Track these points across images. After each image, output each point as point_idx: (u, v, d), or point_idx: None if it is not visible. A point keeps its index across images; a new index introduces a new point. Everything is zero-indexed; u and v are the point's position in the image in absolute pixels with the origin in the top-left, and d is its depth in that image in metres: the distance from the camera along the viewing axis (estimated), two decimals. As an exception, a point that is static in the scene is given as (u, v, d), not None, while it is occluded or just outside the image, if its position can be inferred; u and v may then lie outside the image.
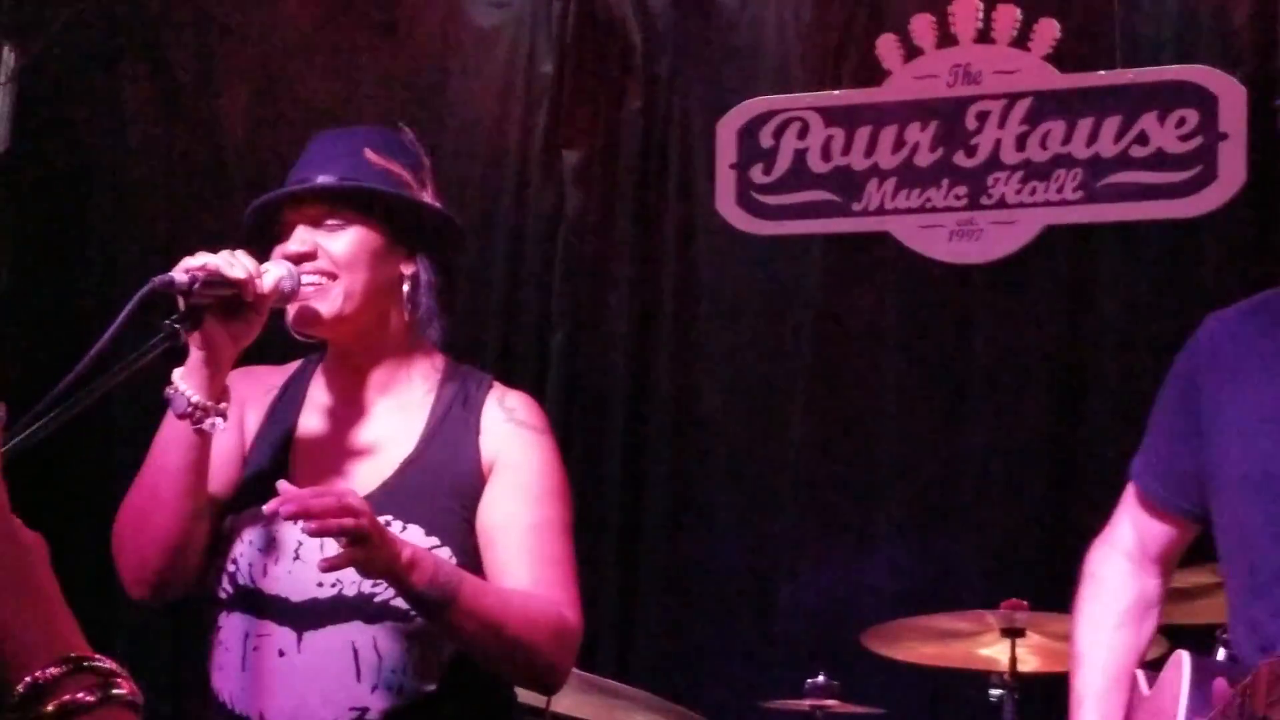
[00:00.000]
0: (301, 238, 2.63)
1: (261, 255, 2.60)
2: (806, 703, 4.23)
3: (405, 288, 2.68)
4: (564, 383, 5.41)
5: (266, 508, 2.35)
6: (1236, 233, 4.91)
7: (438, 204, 2.75)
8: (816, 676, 4.20)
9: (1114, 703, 2.44)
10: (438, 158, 5.41)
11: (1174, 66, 5.00)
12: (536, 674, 2.57)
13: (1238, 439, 2.28)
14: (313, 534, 2.32)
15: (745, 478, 5.28)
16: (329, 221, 2.64)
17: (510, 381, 5.23)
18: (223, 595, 2.62)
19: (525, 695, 4.08)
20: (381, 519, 2.44)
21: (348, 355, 2.72)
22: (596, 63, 5.54)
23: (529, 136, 5.55)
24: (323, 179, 2.65)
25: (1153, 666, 2.53)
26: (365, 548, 2.31)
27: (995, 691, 4.05)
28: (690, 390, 5.37)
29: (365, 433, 2.68)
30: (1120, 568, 2.57)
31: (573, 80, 5.52)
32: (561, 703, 4.18)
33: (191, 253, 2.45)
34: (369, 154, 2.68)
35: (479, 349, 5.41)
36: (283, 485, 2.36)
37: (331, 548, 2.40)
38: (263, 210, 2.70)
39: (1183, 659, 2.22)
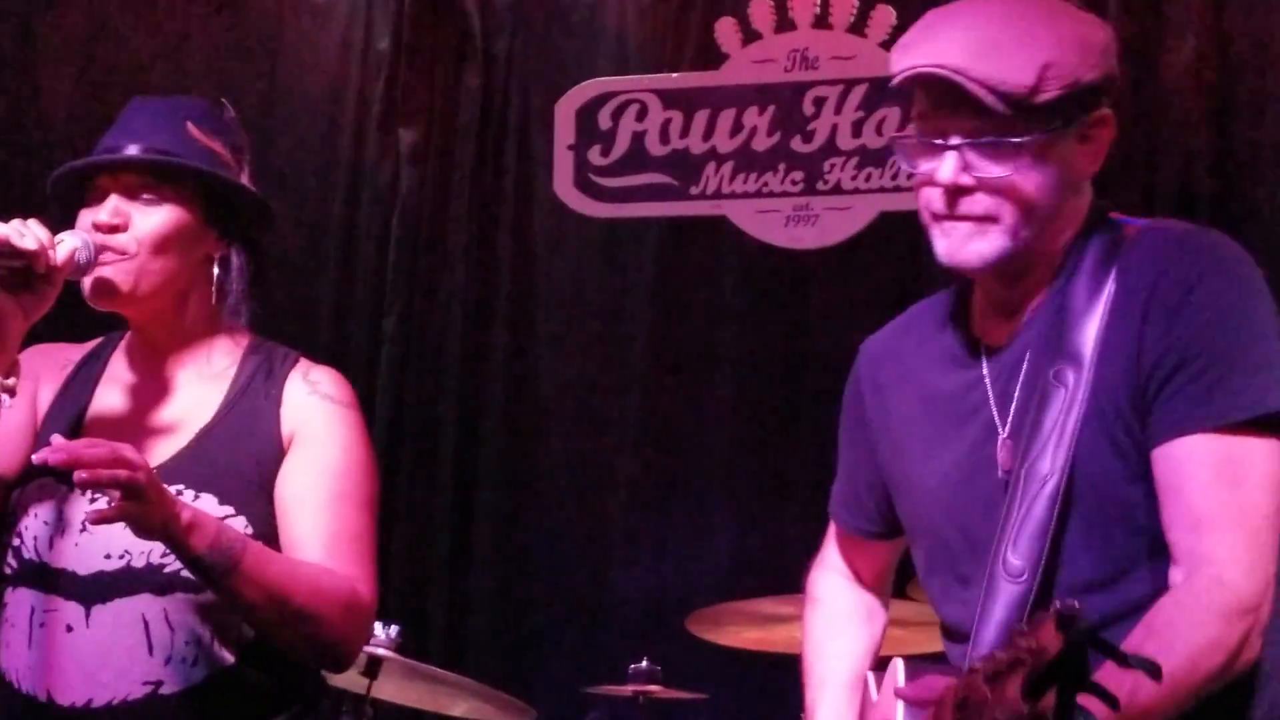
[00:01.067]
0: (114, 208, 2.54)
1: (68, 217, 2.53)
2: (629, 688, 4.22)
3: (215, 271, 2.62)
4: (397, 364, 5.36)
5: (36, 457, 2.26)
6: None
7: (253, 187, 2.69)
8: (640, 661, 4.19)
9: (840, 708, 2.41)
10: (272, 133, 5.41)
11: (1008, 55, 5.03)
12: (324, 648, 2.49)
13: (914, 468, 2.28)
14: (82, 484, 2.22)
15: (581, 462, 5.27)
16: (145, 195, 2.56)
17: (344, 362, 5.24)
18: (8, 571, 2.54)
19: (347, 681, 4.05)
20: (174, 488, 2.38)
21: (147, 332, 2.65)
22: (434, 40, 5.49)
23: (365, 113, 5.49)
24: (142, 148, 2.56)
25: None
26: (140, 503, 2.23)
27: (816, 675, 4.03)
28: (526, 373, 5.35)
29: (163, 406, 2.61)
30: (835, 583, 2.57)
31: (410, 57, 5.46)
32: (385, 689, 4.14)
33: None
34: (191, 128, 2.60)
35: (312, 329, 5.34)
36: (56, 438, 2.28)
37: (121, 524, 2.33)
38: (74, 172, 2.61)
39: (896, 665, 2.18)
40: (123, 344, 2.70)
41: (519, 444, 5.30)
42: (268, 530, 2.50)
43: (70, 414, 2.61)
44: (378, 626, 4.03)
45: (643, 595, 4.99)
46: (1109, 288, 2.11)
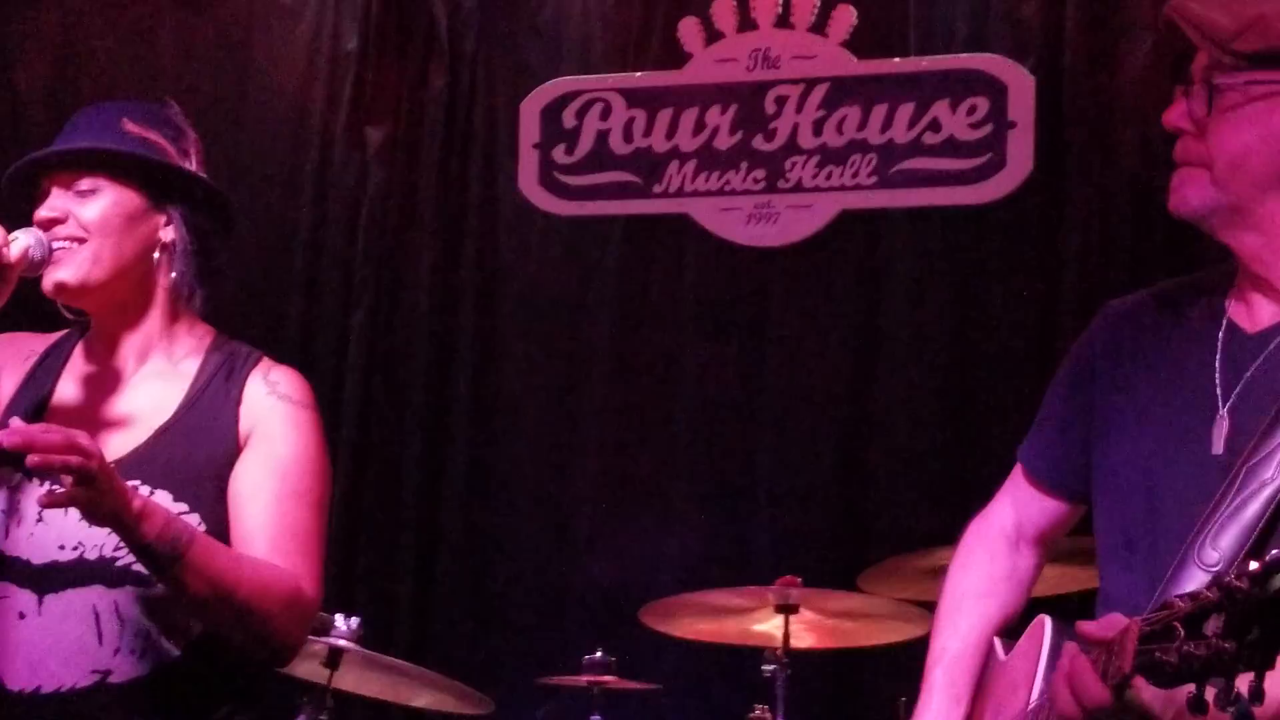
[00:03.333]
0: (52, 204, 2.62)
1: (23, 223, 2.59)
2: (584, 679, 4.27)
3: (158, 254, 2.67)
4: (364, 360, 5.41)
5: None
6: (1022, 218, 5.03)
7: (199, 173, 2.74)
8: (595, 653, 4.24)
9: (965, 667, 2.42)
10: (241, 132, 5.46)
11: (965, 55, 5.11)
12: (266, 641, 2.53)
13: (1125, 437, 2.27)
14: (35, 468, 2.28)
15: (545, 458, 5.31)
16: (81, 186, 2.63)
17: (312, 357, 5.30)
18: (-39, 558, 2.59)
19: (308, 672, 4.10)
20: (129, 484, 2.42)
21: (106, 323, 2.71)
22: (401, 40, 5.54)
23: (333, 113, 5.53)
24: (73, 145, 2.64)
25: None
26: (91, 489, 2.28)
27: (768, 667, 4.09)
28: (491, 369, 5.39)
29: (123, 401, 2.67)
30: (993, 542, 2.53)
31: (377, 57, 5.51)
32: (345, 680, 4.19)
33: None
34: (127, 123, 2.68)
35: (280, 324, 5.40)
36: (14, 420, 2.34)
37: (77, 515, 2.38)
38: (19, 179, 2.68)
39: (1044, 623, 2.20)
40: (87, 336, 2.75)
41: (484, 437, 5.35)
42: (221, 528, 2.56)
43: (32, 403, 2.66)
44: (339, 618, 4.09)
45: (602, 588, 5.04)
46: None
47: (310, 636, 3.97)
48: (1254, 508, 2.04)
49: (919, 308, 5.09)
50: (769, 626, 4.20)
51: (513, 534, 5.26)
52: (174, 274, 2.69)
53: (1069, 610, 2.20)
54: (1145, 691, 1.83)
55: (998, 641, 2.42)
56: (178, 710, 2.55)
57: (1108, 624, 1.91)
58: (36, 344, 2.77)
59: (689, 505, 5.14)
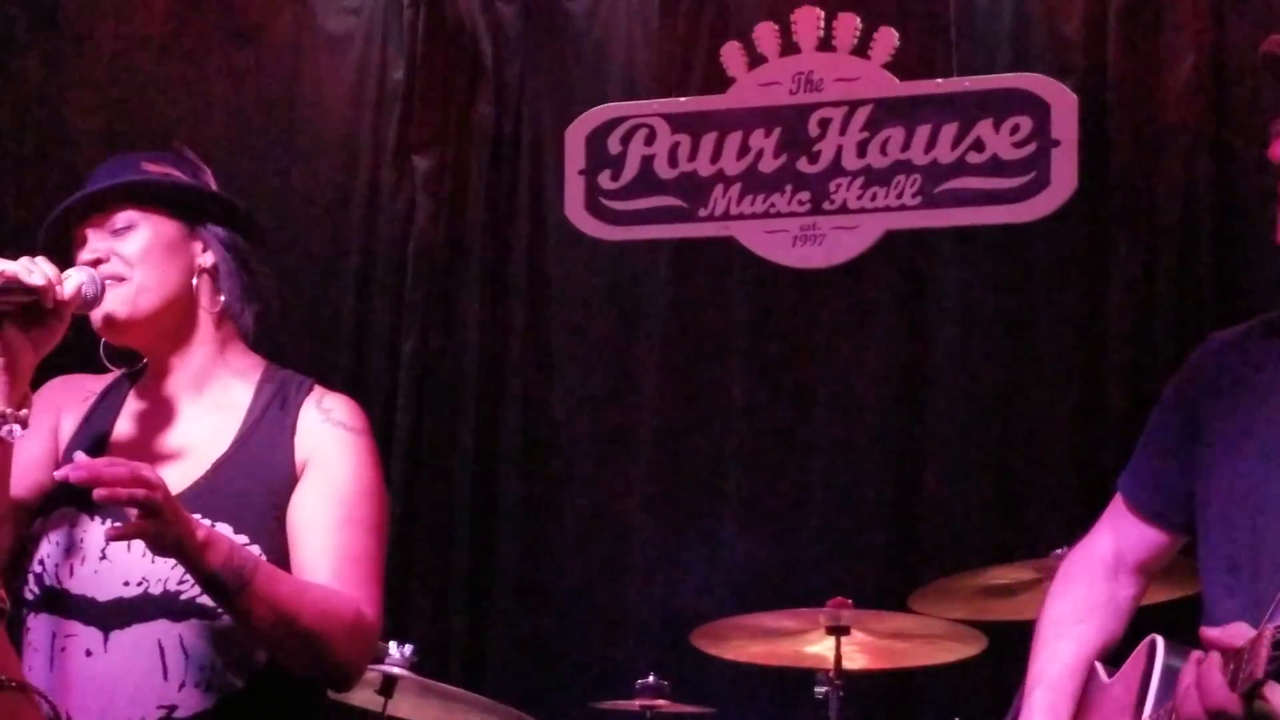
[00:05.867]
0: (93, 246, 2.67)
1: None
2: (637, 703, 4.29)
3: (198, 279, 2.72)
4: (415, 388, 5.45)
5: (58, 474, 2.36)
6: (1067, 237, 5.04)
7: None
8: (648, 677, 4.26)
9: (1066, 689, 2.43)
10: (290, 162, 5.52)
11: (1008, 75, 5.12)
12: (329, 668, 2.57)
13: (1229, 463, 2.29)
14: (102, 500, 2.31)
15: (595, 483, 5.34)
16: (117, 224, 2.68)
17: (363, 387, 5.35)
18: (29, 597, 2.62)
19: (363, 700, 4.14)
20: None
21: (158, 358, 2.75)
22: (447, 69, 5.59)
23: (380, 143, 5.59)
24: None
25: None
26: (157, 521, 2.32)
27: (820, 689, 4.11)
28: (541, 396, 5.43)
29: (179, 435, 2.71)
30: (1092, 570, 2.55)
31: (423, 87, 5.56)
32: (400, 707, 4.22)
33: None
34: (145, 164, 2.74)
35: (331, 354, 5.45)
36: (79, 455, 2.38)
37: (140, 550, 2.43)
38: (56, 230, 2.73)
39: (1156, 642, 2.20)
40: (143, 375, 2.80)
41: (535, 464, 5.39)
42: (281, 557, 2.58)
43: (90, 445, 2.68)
44: (393, 646, 4.12)
45: (654, 612, 5.07)
46: None
47: (366, 664, 4.03)
48: None
49: (965, 327, 5.10)
50: (821, 648, 4.22)
51: (565, 560, 5.30)
52: (222, 296, 2.73)
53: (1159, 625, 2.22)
54: (1277, 698, 1.85)
55: (1099, 665, 2.43)
56: None
57: (1234, 632, 1.92)
58: (94, 385, 2.81)
59: (739, 528, 5.15)
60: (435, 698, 4.25)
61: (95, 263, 2.63)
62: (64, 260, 2.64)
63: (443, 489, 5.41)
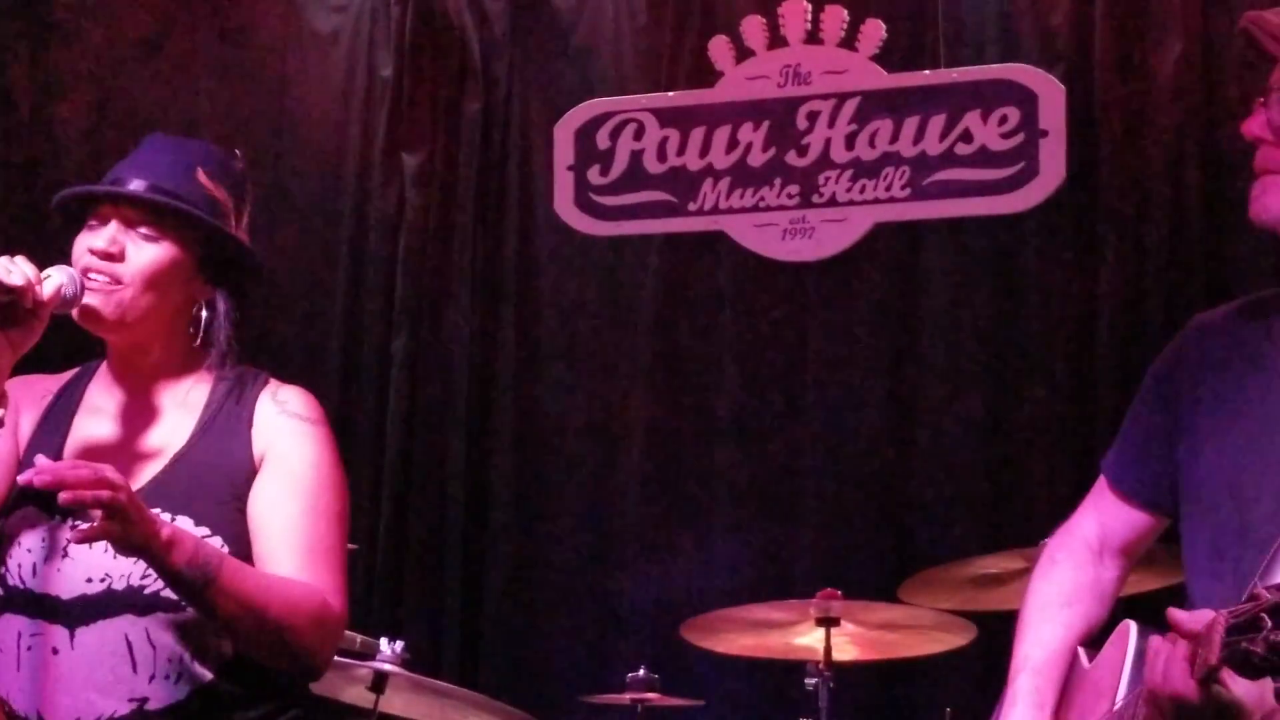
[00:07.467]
0: (112, 237, 2.64)
1: (71, 232, 2.65)
2: (628, 696, 4.29)
3: (201, 314, 2.72)
4: (406, 384, 5.45)
5: (21, 478, 2.37)
6: (1056, 227, 5.03)
7: (247, 235, 2.79)
8: (638, 670, 4.26)
9: (1049, 674, 2.43)
10: (279, 159, 5.52)
11: (995, 65, 5.11)
12: (296, 659, 2.59)
13: (1213, 445, 2.29)
14: (66, 504, 2.32)
15: (586, 477, 5.34)
16: (143, 229, 2.66)
17: (354, 384, 5.36)
18: (-5, 599, 2.64)
19: (354, 696, 4.14)
20: (151, 511, 2.46)
21: (127, 359, 2.75)
22: (435, 66, 5.59)
23: (369, 139, 5.59)
24: (149, 186, 2.66)
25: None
26: (121, 522, 2.33)
27: (810, 680, 4.10)
28: (532, 391, 5.43)
29: (140, 432, 2.71)
30: (1076, 553, 2.54)
31: (412, 83, 5.56)
32: (392, 703, 4.22)
33: None
34: (201, 175, 2.70)
35: (321, 352, 5.45)
36: (39, 458, 2.38)
37: (103, 546, 2.43)
38: (80, 196, 2.72)
39: (1129, 627, 2.20)
40: (99, 372, 2.80)
41: (527, 459, 5.39)
42: (243, 549, 2.59)
43: (51, 444, 2.70)
44: (384, 642, 4.12)
45: (644, 606, 5.07)
46: None
47: (356, 661, 4.03)
48: None
49: (956, 318, 5.09)
50: (810, 640, 4.22)
51: (556, 554, 5.30)
52: (211, 338, 2.72)
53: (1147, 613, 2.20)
54: (1236, 686, 1.83)
55: (1081, 650, 2.43)
56: None
57: (1198, 616, 1.91)
58: (50, 384, 2.81)
59: (729, 520, 5.16)
60: (427, 694, 4.25)
61: (106, 255, 2.62)
62: (45, 257, 2.63)
63: (434, 485, 5.41)
